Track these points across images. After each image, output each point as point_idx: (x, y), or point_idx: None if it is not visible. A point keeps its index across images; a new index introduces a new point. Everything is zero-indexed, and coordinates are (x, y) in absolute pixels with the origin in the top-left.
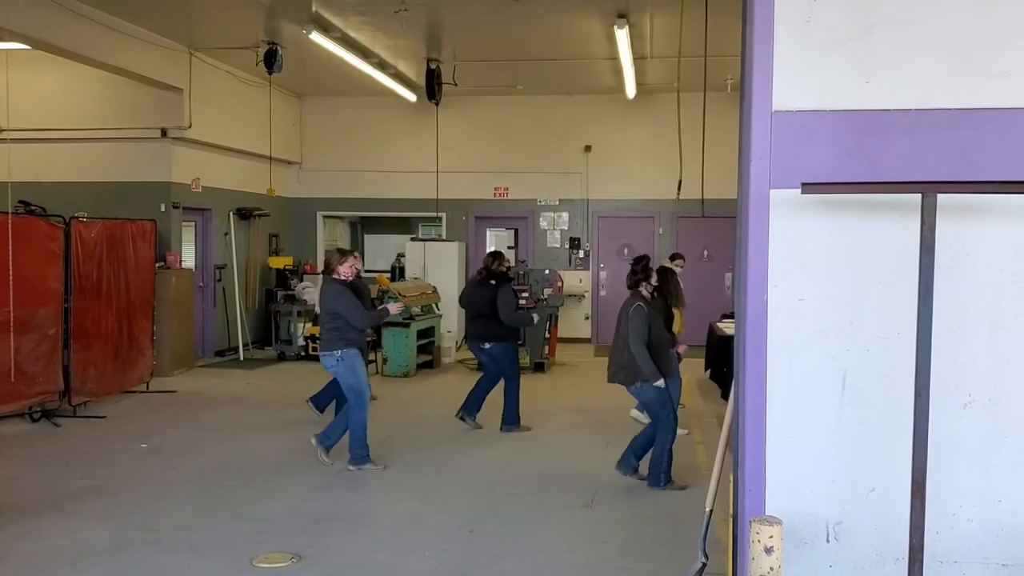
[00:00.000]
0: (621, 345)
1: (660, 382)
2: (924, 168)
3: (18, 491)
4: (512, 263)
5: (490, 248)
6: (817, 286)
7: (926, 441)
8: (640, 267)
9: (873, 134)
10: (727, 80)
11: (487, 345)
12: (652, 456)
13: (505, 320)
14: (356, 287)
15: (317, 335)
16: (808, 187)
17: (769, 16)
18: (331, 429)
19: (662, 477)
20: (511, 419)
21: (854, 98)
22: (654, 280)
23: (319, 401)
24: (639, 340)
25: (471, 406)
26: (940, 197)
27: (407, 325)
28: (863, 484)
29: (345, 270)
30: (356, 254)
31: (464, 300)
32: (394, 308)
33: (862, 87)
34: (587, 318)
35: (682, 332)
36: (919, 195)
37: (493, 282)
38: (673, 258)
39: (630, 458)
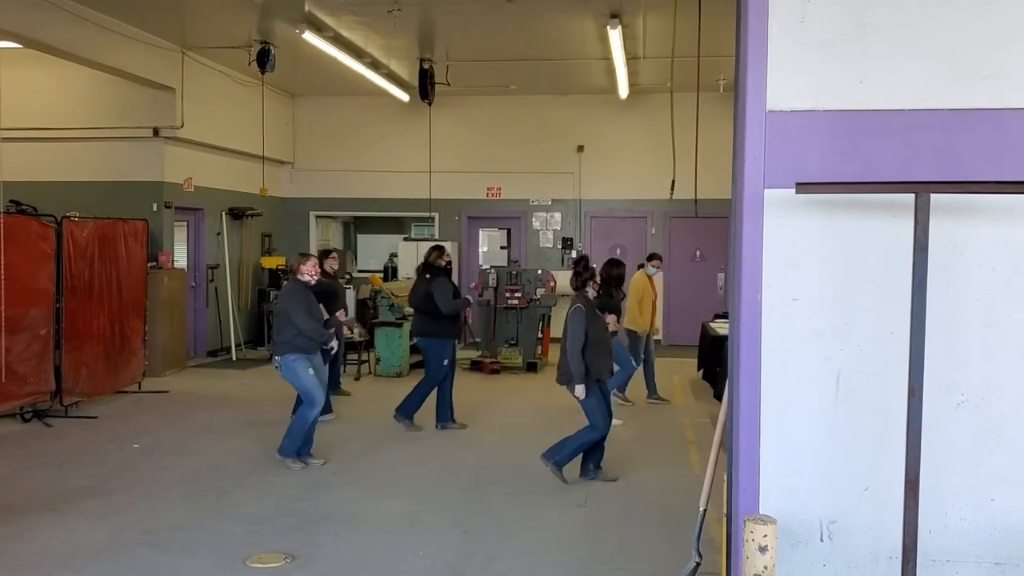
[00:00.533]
0: (562, 347)
1: (579, 389)
2: (917, 168)
3: (10, 491)
4: (451, 258)
5: (483, 248)
6: (811, 286)
7: (919, 440)
8: (582, 267)
9: (867, 134)
10: (720, 80)
11: (415, 340)
12: (568, 438)
13: (445, 311)
14: (328, 289)
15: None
16: (802, 187)
17: (763, 16)
18: (290, 437)
19: (557, 458)
20: (406, 411)
21: (848, 98)
22: (598, 278)
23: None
24: (575, 343)
25: (443, 412)
26: (933, 197)
27: (399, 325)
28: (857, 483)
29: (308, 269)
30: (334, 253)
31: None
32: (336, 334)
33: (856, 87)
34: None
35: (654, 327)
36: (912, 195)
37: (428, 276)
38: (650, 258)
39: (588, 465)
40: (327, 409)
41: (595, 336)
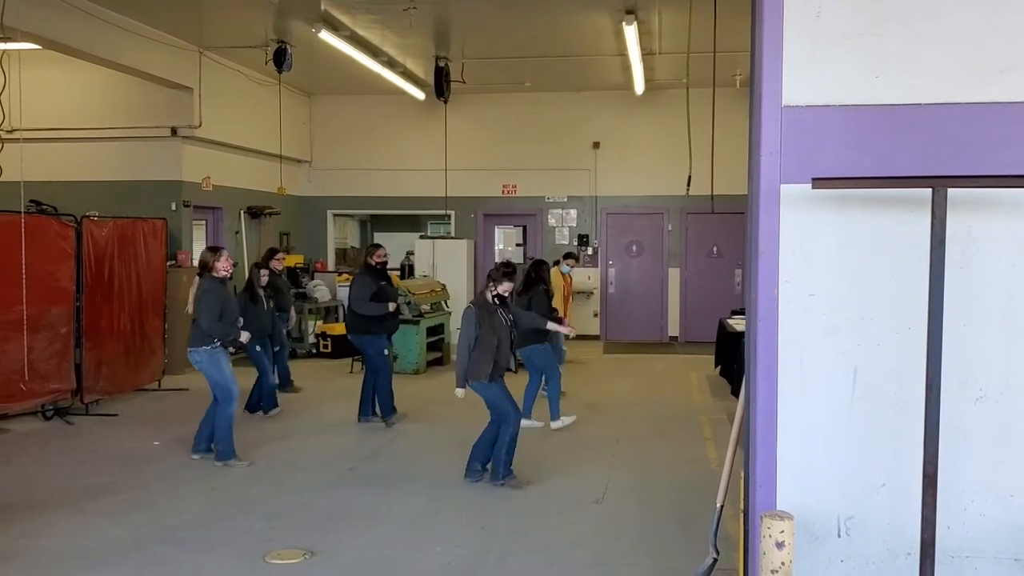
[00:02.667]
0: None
1: (459, 391)
2: (934, 162)
3: (32, 489)
4: (386, 257)
5: (499, 246)
6: (828, 281)
7: (937, 436)
8: (496, 271)
9: (883, 129)
10: (736, 75)
11: (350, 336)
12: (495, 448)
13: (357, 310)
14: (275, 286)
15: (328, 332)
16: (819, 182)
17: (779, 11)
18: (199, 435)
19: (500, 470)
20: (385, 410)
21: (864, 93)
22: (502, 287)
23: (252, 404)
24: (463, 343)
25: (365, 407)
26: (951, 191)
27: (417, 322)
28: (874, 479)
29: (222, 265)
30: (280, 254)
31: None
32: (245, 337)
33: (872, 82)
34: (596, 315)
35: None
36: (929, 190)
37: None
38: (566, 256)
39: (475, 464)
40: (274, 403)
41: (484, 337)
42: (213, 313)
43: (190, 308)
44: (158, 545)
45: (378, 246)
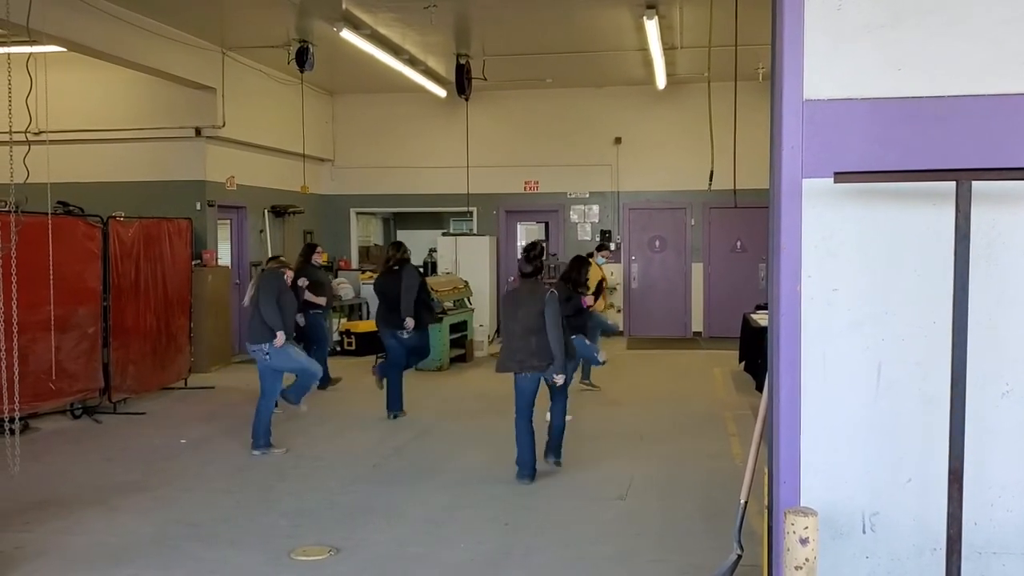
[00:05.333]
0: (526, 332)
1: (559, 378)
2: (958, 155)
3: (62, 486)
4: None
5: (521, 242)
6: (851, 276)
7: (963, 431)
8: (536, 253)
9: (906, 122)
10: (758, 69)
11: (380, 328)
12: (554, 431)
13: (405, 303)
14: (315, 279)
15: (352, 330)
16: (841, 176)
17: (799, 4)
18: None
19: (559, 452)
20: (394, 406)
21: (886, 86)
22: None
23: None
24: (556, 326)
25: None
26: (975, 185)
27: (440, 320)
28: (899, 474)
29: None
30: (319, 248)
31: (377, 290)
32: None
33: (894, 75)
34: (619, 311)
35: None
36: (953, 183)
37: (396, 268)
38: (599, 248)
39: (548, 455)
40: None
41: (565, 320)
42: (271, 301)
43: (246, 301)
44: (185, 542)
45: (402, 243)
